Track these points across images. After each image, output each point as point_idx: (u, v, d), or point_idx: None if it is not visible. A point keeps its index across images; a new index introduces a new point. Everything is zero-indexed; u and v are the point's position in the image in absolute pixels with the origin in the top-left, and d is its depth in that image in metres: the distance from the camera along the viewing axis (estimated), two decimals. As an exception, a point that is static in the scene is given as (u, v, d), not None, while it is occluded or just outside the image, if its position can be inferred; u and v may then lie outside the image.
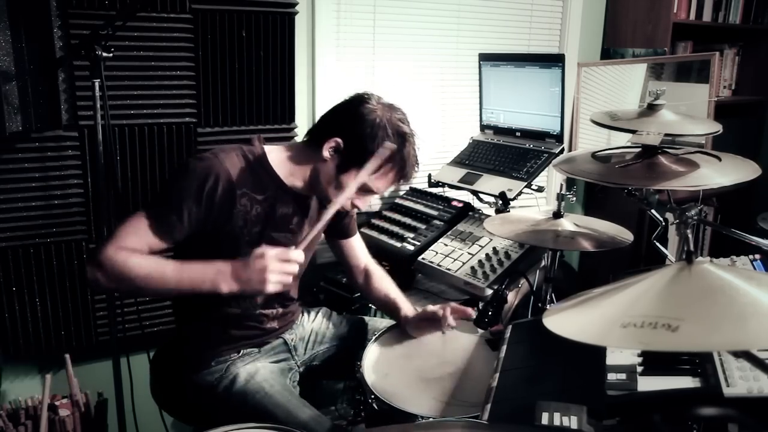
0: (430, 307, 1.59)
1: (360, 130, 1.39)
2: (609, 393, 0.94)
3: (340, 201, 1.37)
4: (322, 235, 1.71)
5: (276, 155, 1.46)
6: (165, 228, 1.34)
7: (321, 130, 1.46)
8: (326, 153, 1.41)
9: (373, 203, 2.56)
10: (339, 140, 1.40)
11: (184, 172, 1.38)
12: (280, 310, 1.59)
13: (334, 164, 1.42)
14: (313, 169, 1.45)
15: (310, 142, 1.48)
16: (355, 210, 1.53)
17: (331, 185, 1.43)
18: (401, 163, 1.42)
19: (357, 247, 1.76)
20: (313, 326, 1.74)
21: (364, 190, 1.44)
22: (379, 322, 1.78)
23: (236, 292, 1.29)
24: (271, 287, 1.27)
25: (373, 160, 1.36)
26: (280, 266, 1.27)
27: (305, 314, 1.76)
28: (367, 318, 1.82)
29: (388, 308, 1.69)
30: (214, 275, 1.28)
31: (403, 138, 1.41)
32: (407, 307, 1.64)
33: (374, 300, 1.75)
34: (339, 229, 1.70)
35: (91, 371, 2.03)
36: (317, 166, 1.44)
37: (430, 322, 1.58)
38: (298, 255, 1.30)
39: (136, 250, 1.31)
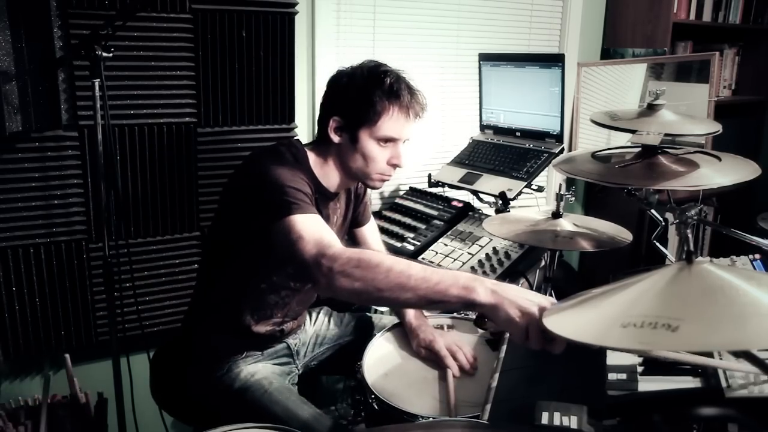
0: (439, 346, 1.47)
1: (345, 97, 1.43)
2: (609, 393, 0.94)
3: (378, 168, 1.45)
4: None
5: (311, 158, 1.49)
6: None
7: (321, 123, 1.50)
8: (334, 136, 1.45)
9: (372, 203, 2.56)
10: (336, 118, 1.44)
11: (281, 176, 1.32)
12: (295, 323, 1.61)
13: (347, 140, 1.45)
14: (336, 159, 1.49)
15: (321, 139, 1.50)
16: (397, 170, 1.50)
17: (359, 160, 1.45)
18: (396, 96, 1.43)
19: (371, 236, 1.78)
20: (315, 328, 1.74)
21: (387, 141, 1.45)
22: (381, 319, 1.78)
23: (490, 306, 1.01)
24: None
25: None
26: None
27: (307, 316, 1.76)
28: (368, 314, 1.82)
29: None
30: (470, 281, 1.03)
31: (383, 75, 1.44)
32: (411, 312, 1.61)
33: None
34: (355, 216, 1.71)
35: (91, 371, 2.03)
36: (338, 154, 1.48)
37: (434, 355, 1.49)
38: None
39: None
